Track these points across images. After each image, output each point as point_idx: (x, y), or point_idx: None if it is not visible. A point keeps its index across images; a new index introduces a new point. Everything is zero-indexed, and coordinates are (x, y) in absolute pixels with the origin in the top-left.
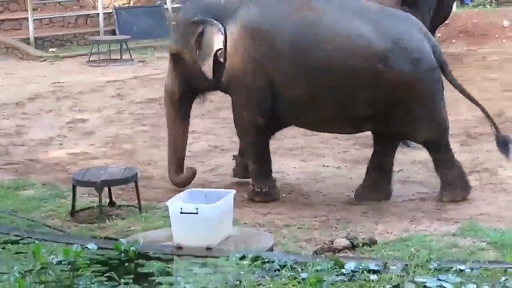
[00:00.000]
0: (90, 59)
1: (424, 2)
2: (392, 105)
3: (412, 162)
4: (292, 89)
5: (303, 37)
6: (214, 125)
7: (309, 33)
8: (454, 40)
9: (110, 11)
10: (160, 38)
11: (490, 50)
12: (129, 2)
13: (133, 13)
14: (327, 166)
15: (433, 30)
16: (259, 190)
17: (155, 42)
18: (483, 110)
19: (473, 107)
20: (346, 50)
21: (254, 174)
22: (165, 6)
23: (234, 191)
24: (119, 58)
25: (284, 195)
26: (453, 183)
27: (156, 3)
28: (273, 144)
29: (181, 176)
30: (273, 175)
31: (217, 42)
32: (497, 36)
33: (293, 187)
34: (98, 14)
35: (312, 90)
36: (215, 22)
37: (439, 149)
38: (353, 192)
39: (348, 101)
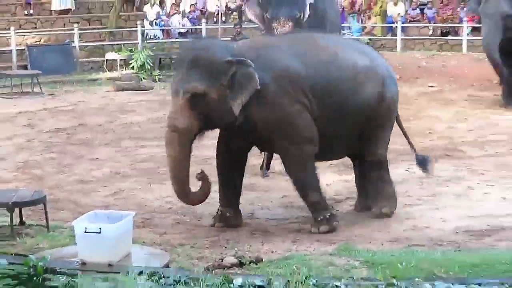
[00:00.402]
0: (3, 92)
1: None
2: (375, 126)
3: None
4: (321, 123)
5: (324, 75)
6: (116, 153)
7: (329, 71)
8: None
9: (23, 48)
10: (68, 73)
11: None
12: (40, 40)
13: (43, 50)
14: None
15: None
16: (322, 218)
17: (63, 77)
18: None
19: None
20: (360, 81)
21: (319, 204)
22: (72, 45)
23: (134, 213)
24: (31, 91)
25: (179, 217)
26: (390, 197)
27: (65, 42)
28: (168, 172)
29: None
30: (168, 199)
31: (254, 83)
32: None
33: (187, 209)
34: (11, 50)
35: (335, 120)
36: (250, 63)
37: (384, 166)
38: (247, 213)
39: (355, 124)
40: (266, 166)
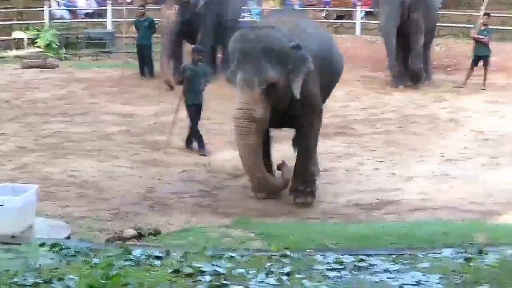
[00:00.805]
0: None
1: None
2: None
3: (195, 163)
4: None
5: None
6: (21, 129)
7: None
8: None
9: None
10: None
11: None
12: None
13: None
14: (121, 166)
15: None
16: (311, 189)
17: None
18: None
19: None
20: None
21: (311, 176)
22: None
23: (37, 186)
24: None
25: (82, 190)
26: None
27: None
28: (72, 146)
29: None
30: (71, 173)
31: (308, 65)
32: None
33: (90, 183)
34: None
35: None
36: (302, 45)
37: None
38: (142, 189)
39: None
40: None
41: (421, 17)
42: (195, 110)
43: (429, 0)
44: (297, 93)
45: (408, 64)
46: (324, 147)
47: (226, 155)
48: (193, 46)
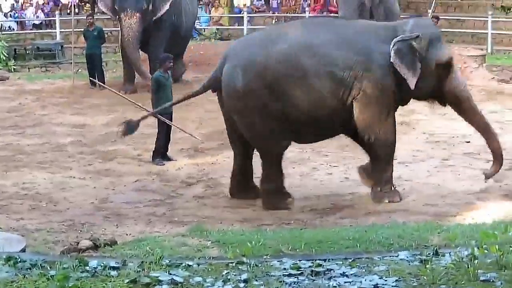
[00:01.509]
0: None
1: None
2: None
3: (147, 173)
4: None
5: None
6: None
7: None
8: (185, 69)
9: None
10: None
11: None
12: None
13: None
14: (74, 177)
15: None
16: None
17: None
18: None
19: (205, 127)
20: None
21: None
22: None
23: None
24: None
25: (36, 203)
26: None
27: None
28: (24, 158)
29: None
30: (24, 186)
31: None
32: None
33: (43, 195)
34: None
35: None
36: None
37: None
38: (96, 199)
39: None
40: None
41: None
42: (168, 119)
43: (390, 4)
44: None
45: None
46: None
47: (180, 163)
48: (163, 54)
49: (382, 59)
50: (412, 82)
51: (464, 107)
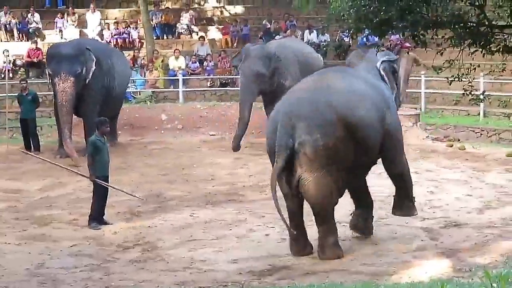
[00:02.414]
0: None
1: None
2: None
3: (83, 237)
4: None
5: None
6: None
7: None
8: (120, 132)
9: None
10: None
11: (151, 140)
12: None
13: None
14: (8, 243)
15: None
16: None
17: None
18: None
19: (141, 190)
20: None
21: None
22: None
23: None
24: None
25: None
26: None
27: None
28: None
29: None
30: None
31: None
32: (156, 128)
33: None
34: None
35: None
36: None
37: None
38: (31, 265)
39: None
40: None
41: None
42: (104, 182)
43: (314, 65)
44: None
45: None
46: (214, 214)
47: (116, 227)
48: (100, 118)
49: (389, 92)
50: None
51: None
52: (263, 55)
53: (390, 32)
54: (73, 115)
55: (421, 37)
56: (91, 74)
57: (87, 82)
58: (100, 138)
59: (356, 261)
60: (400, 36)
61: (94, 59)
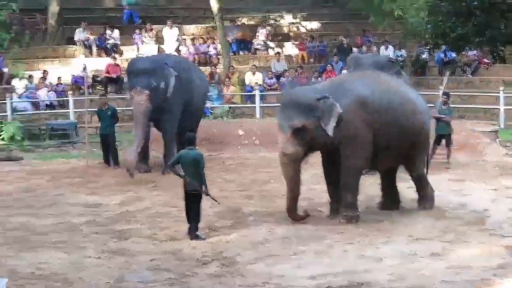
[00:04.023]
0: None
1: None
2: None
3: (162, 252)
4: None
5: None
6: None
7: None
8: (197, 147)
9: None
10: None
11: (228, 156)
12: None
13: None
14: (89, 257)
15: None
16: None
17: None
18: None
19: (218, 206)
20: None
21: (350, 204)
22: None
23: (5, 280)
24: None
25: (51, 283)
26: None
27: None
28: (39, 238)
29: (299, 215)
30: (39, 266)
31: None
32: (233, 143)
33: (58, 276)
34: None
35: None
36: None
37: None
38: (111, 279)
39: None
40: None
41: None
42: (191, 197)
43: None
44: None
45: None
46: (292, 230)
47: (194, 242)
48: (190, 134)
49: None
50: None
51: None
52: (378, 64)
53: (467, 47)
54: (153, 129)
55: (500, 52)
56: (171, 89)
57: (167, 96)
58: (187, 152)
59: (434, 278)
60: (477, 52)
61: (174, 74)
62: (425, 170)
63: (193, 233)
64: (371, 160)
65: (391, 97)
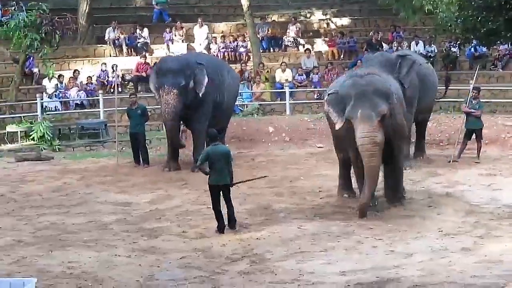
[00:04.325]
0: None
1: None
2: None
3: (192, 250)
4: None
5: None
6: (17, 222)
7: None
8: (227, 144)
9: None
10: None
11: (258, 153)
12: None
13: None
14: (119, 255)
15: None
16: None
17: None
18: None
19: (248, 203)
20: None
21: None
22: None
23: (35, 279)
24: None
25: (81, 282)
26: None
27: None
28: (69, 237)
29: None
30: (69, 265)
31: None
32: (263, 140)
33: (89, 274)
34: None
35: None
36: None
37: None
38: (141, 277)
39: None
40: None
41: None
42: (224, 190)
43: (427, 79)
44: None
45: None
46: (322, 226)
47: (224, 239)
48: (213, 130)
49: None
50: None
51: None
52: (387, 62)
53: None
54: (183, 127)
55: None
56: (203, 88)
57: (200, 95)
58: (213, 149)
59: (465, 274)
60: (508, 46)
61: (206, 73)
62: None
63: (234, 222)
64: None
65: None
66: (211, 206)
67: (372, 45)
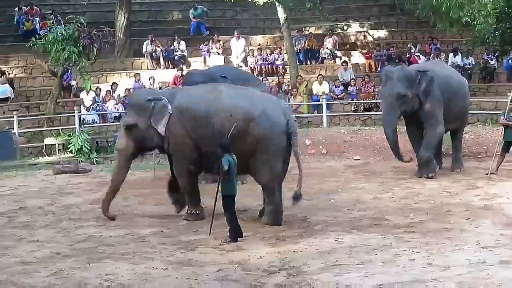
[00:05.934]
0: None
1: None
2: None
3: (229, 262)
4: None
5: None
6: (55, 234)
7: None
8: None
9: None
10: (8, 159)
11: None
12: None
13: None
14: (156, 268)
15: None
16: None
17: (3, 163)
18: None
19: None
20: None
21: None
22: (12, 131)
23: None
24: None
25: None
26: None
27: (4, 129)
28: (107, 250)
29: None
30: (107, 277)
31: None
32: (300, 153)
33: (125, 287)
34: None
35: None
36: None
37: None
38: None
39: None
40: None
41: (434, 107)
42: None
43: (455, 88)
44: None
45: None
46: (359, 239)
47: (261, 251)
48: (221, 140)
49: None
50: None
51: None
52: (405, 77)
53: None
54: None
55: None
56: None
57: None
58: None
59: (503, 287)
60: None
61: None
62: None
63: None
64: None
65: None
66: (228, 216)
67: (391, 58)
